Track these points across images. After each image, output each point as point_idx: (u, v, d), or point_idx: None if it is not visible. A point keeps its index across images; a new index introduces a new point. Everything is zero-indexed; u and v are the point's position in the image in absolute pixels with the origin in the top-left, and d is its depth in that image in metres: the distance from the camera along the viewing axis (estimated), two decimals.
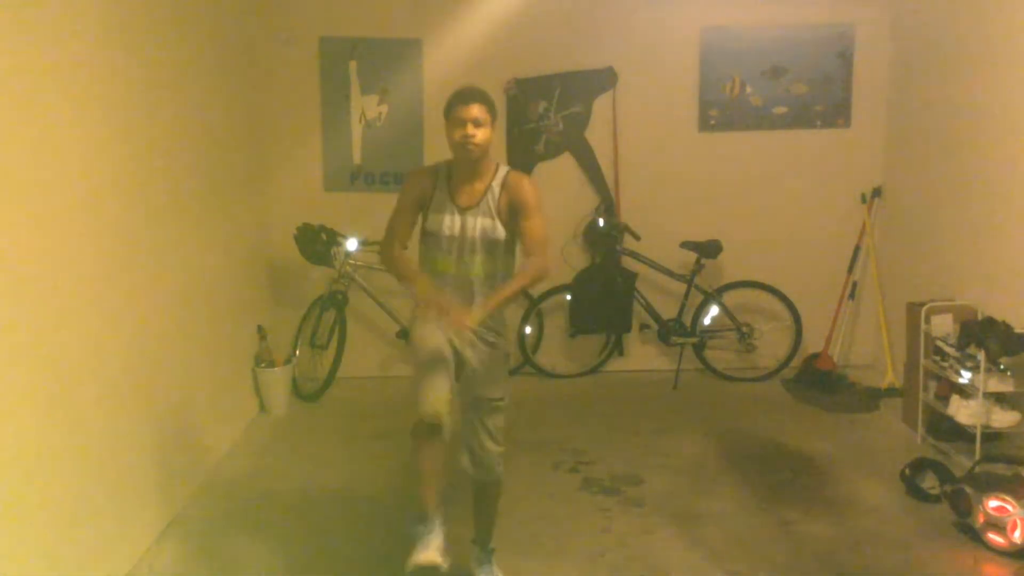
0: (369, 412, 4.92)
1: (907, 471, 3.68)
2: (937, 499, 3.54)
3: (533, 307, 5.48)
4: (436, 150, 5.47)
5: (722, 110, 5.52)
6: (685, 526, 3.42)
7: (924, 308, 4.19)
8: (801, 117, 5.52)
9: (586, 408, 4.99)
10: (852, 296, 5.58)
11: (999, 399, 3.81)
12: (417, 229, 2.89)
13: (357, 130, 5.46)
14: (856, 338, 5.68)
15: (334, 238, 5.05)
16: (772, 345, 5.53)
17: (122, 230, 3.17)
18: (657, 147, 5.56)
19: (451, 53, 5.38)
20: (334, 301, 5.15)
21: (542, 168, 5.56)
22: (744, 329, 5.44)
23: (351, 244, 5.11)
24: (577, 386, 5.45)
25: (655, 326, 5.51)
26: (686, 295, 5.43)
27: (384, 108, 5.45)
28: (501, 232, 2.78)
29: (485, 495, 3.04)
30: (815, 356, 5.37)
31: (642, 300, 5.48)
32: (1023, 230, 3.94)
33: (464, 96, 2.75)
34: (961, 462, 3.85)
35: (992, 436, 3.92)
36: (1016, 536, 3.09)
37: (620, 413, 4.85)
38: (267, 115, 5.27)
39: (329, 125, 5.44)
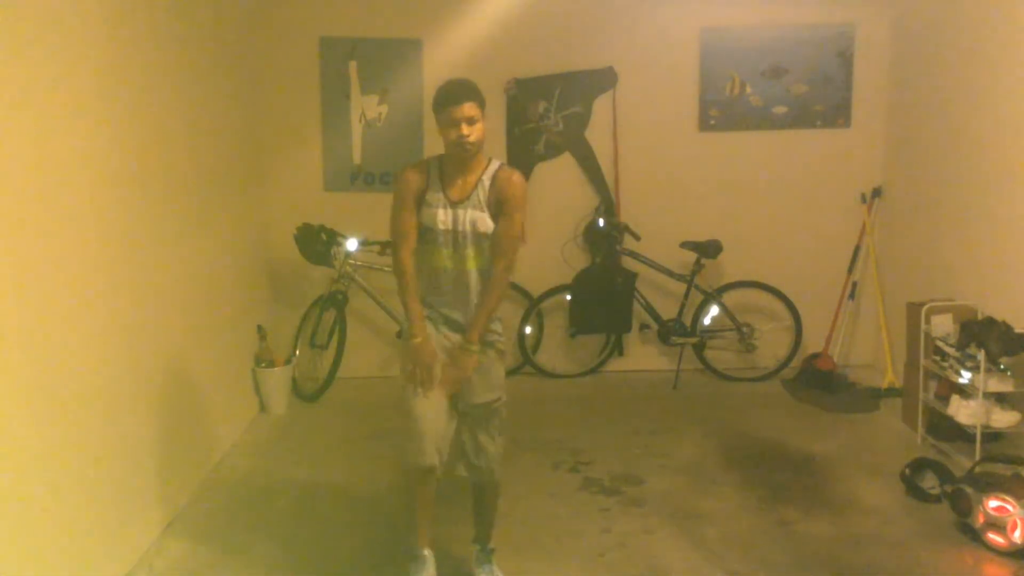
0: (369, 412, 4.92)
1: (907, 471, 3.68)
2: (937, 499, 3.54)
3: (533, 307, 5.48)
4: (436, 150, 5.44)
5: (722, 110, 5.52)
6: (685, 526, 3.42)
7: (924, 308, 4.19)
8: (801, 117, 5.52)
9: (586, 408, 4.99)
10: (852, 296, 5.58)
11: (999, 399, 3.81)
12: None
13: (357, 130, 5.46)
14: (856, 338, 5.68)
15: (334, 238, 5.05)
16: (772, 345, 5.53)
17: (122, 230, 3.17)
18: (657, 147, 5.56)
19: (451, 53, 5.39)
20: (334, 301, 5.15)
21: (542, 168, 5.56)
22: (744, 329, 5.44)
23: (351, 244, 5.11)
24: (577, 386, 5.45)
25: (655, 326, 5.51)
26: (686, 295, 5.43)
27: (384, 108, 5.45)
28: (490, 225, 2.78)
29: (483, 496, 3.05)
30: (815, 356, 5.37)
31: (642, 300, 5.48)
32: (1023, 230, 3.94)
33: (454, 95, 2.72)
34: (961, 462, 3.84)
35: (992, 436, 3.92)
36: (1016, 536, 3.08)
37: (620, 413, 4.85)
38: (267, 115, 5.27)
39: (329, 125, 5.44)
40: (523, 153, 5.53)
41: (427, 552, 2.87)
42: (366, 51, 5.39)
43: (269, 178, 5.32)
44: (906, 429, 4.47)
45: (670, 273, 5.44)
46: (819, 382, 5.18)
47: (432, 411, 2.74)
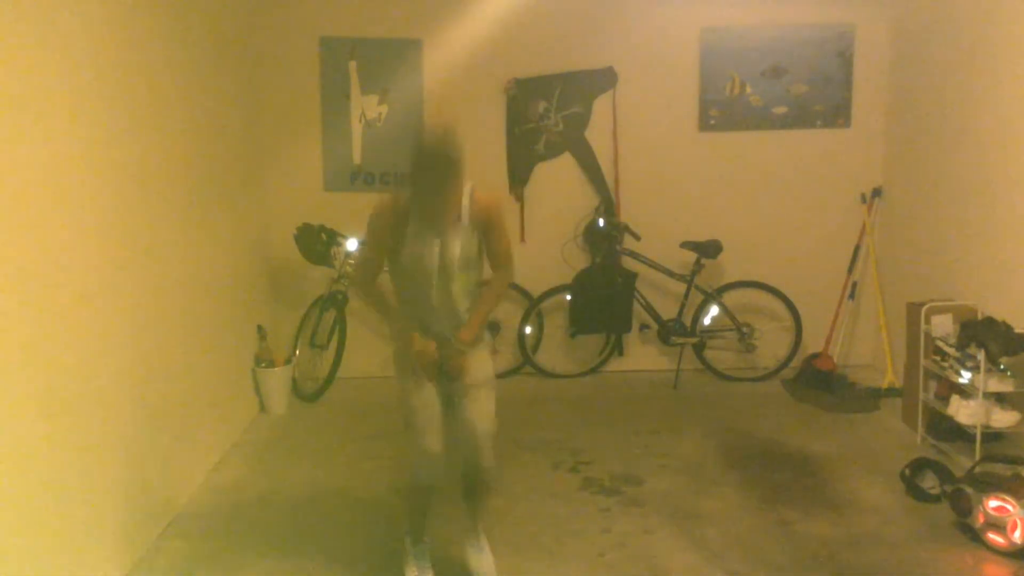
0: (369, 412, 4.92)
1: (907, 471, 3.68)
2: (937, 499, 3.54)
3: (533, 307, 5.48)
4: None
5: (722, 110, 5.52)
6: (685, 526, 3.42)
7: (924, 308, 4.19)
8: (801, 117, 5.52)
9: (586, 408, 4.99)
10: (852, 296, 5.58)
11: (999, 399, 3.81)
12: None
13: (357, 130, 5.46)
14: (856, 338, 5.68)
15: (334, 238, 5.05)
16: (772, 345, 5.53)
17: (122, 230, 3.17)
18: (657, 147, 5.56)
19: (451, 53, 5.39)
20: (334, 301, 5.15)
21: (542, 168, 5.56)
22: (744, 329, 5.44)
23: (351, 244, 5.11)
24: (577, 386, 5.45)
25: (655, 326, 5.51)
26: (686, 295, 5.43)
27: (384, 108, 5.45)
28: (478, 249, 2.85)
29: (476, 489, 3.08)
30: (815, 356, 5.37)
31: (642, 300, 5.48)
32: (1023, 230, 3.94)
33: (431, 163, 2.60)
34: (961, 462, 3.85)
35: (992, 436, 3.92)
36: (1016, 536, 3.09)
37: (620, 413, 4.85)
38: (267, 115, 5.28)
39: (329, 125, 5.45)
40: (523, 153, 5.53)
41: (427, 539, 3.03)
42: (366, 51, 5.39)
43: (269, 178, 5.32)
44: (906, 429, 4.47)
45: (670, 273, 5.44)
46: (819, 382, 5.18)
47: (435, 431, 2.85)
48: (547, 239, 5.54)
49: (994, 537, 3.16)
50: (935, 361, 4.11)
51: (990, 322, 3.78)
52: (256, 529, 3.46)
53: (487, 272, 2.96)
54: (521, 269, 5.46)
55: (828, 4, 5.43)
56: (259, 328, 4.93)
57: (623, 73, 5.50)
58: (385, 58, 5.39)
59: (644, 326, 5.62)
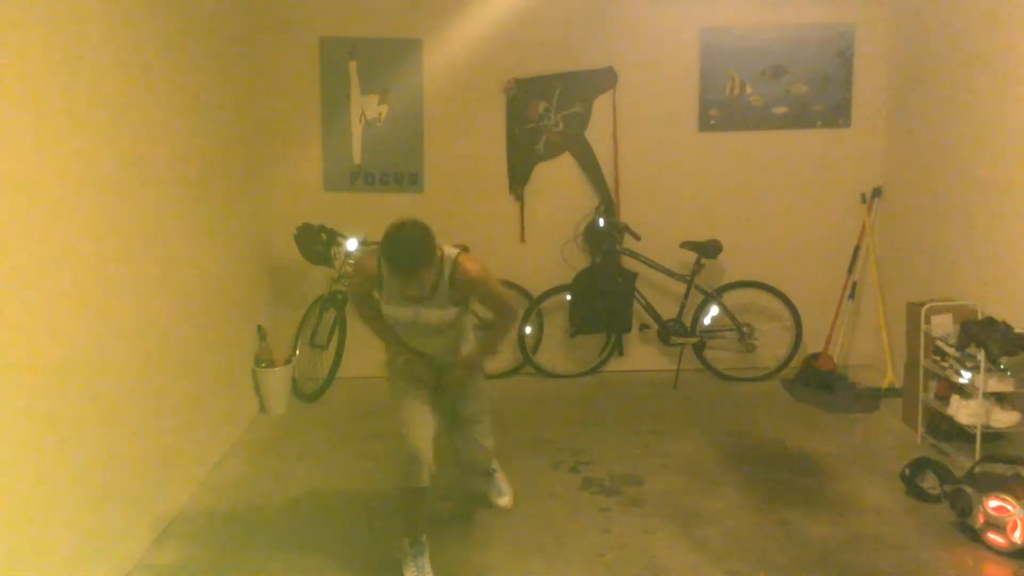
0: (369, 412, 4.92)
1: (907, 471, 3.68)
2: (937, 499, 3.54)
3: (533, 307, 5.48)
4: (436, 150, 5.49)
5: (722, 110, 5.52)
6: (685, 526, 3.42)
7: (924, 308, 4.19)
8: (801, 117, 5.52)
9: (586, 408, 4.99)
10: (852, 296, 5.58)
11: (999, 399, 3.81)
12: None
13: (357, 130, 5.46)
14: (856, 338, 5.68)
15: (334, 238, 5.05)
16: (772, 345, 5.53)
17: (122, 230, 3.17)
18: (657, 147, 5.56)
19: (451, 53, 5.39)
20: (334, 301, 5.15)
21: (542, 168, 5.56)
22: (744, 329, 5.44)
23: (351, 244, 5.11)
24: (577, 386, 5.45)
25: (655, 326, 5.51)
26: (686, 295, 5.43)
27: (384, 108, 5.45)
28: (457, 314, 2.95)
29: (480, 473, 3.51)
30: (815, 356, 5.37)
31: (642, 300, 5.48)
32: (1023, 230, 3.94)
33: (403, 267, 2.68)
34: (961, 462, 3.84)
35: (992, 436, 3.92)
36: (1016, 536, 3.09)
37: (620, 413, 4.85)
38: (267, 115, 5.27)
39: (329, 125, 5.45)
40: (523, 153, 5.53)
41: (423, 539, 3.05)
42: (366, 51, 5.39)
43: (269, 178, 5.32)
44: (906, 429, 4.47)
45: (670, 273, 5.44)
46: (819, 382, 5.18)
47: (425, 435, 2.97)
48: (547, 239, 5.54)
49: (994, 537, 3.16)
50: (935, 361, 4.11)
51: (990, 322, 3.78)
52: (256, 529, 3.46)
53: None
54: (521, 269, 5.52)
55: (828, 4, 5.43)
56: (259, 328, 4.93)
57: (623, 73, 5.50)
58: (385, 58, 5.39)
59: (644, 326, 5.62)
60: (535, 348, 5.58)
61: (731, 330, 5.47)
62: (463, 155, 5.51)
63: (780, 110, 5.52)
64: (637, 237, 5.37)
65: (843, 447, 4.26)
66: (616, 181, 5.56)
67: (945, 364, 4.02)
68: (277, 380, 4.91)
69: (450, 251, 2.88)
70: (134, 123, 3.30)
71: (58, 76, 2.73)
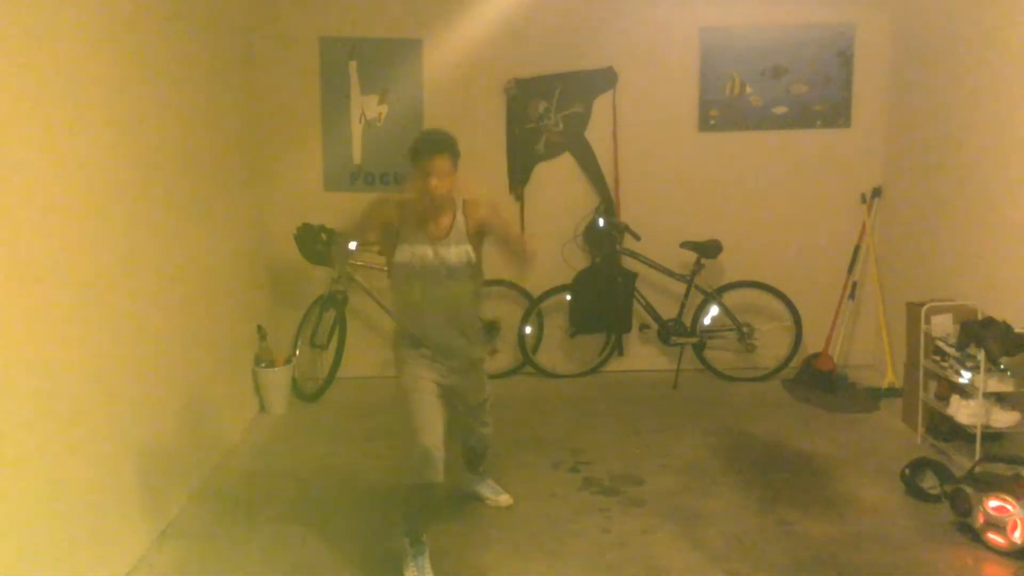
0: (369, 412, 4.92)
1: (907, 471, 3.68)
2: (937, 499, 3.54)
3: (533, 307, 5.48)
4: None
5: (722, 110, 5.52)
6: (685, 526, 3.42)
7: (924, 308, 4.19)
8: (801, 117, 5.52)
9: (586, 408, 4.98)
10: (852, 296, 5.58)
11: (999, 399, 3.81)
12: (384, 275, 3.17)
13: (357, 130, 5.46)
14: (856, 338, 5.68)
15: (334, 238, 5.04)
16: (772, 345, 5.53)
17: (122, 230, 3.17)
18: (657, 147, 5.56)
19: (451, 53, 5.39)
20: (334, 301, 5.15)
21: (542, 168, 5.56)
22: (744, 329, 5.44)
23: (351, 244, 5.09)
24: (577, 386, 5.45)
25: (655, 326, 5.51)
26: (686, 295, 5.43)
27: (384, 108, 5.45)
28: (473, 256, 3.02)
29: (479, 460, 3.63)
30: (815, 356, 5.37)
31: (642, 300, 5.48)
32: (1022, 230, 3.94)
33: (429, 147, 2.89)
34: (961, 462, 3.84)
35: (992, 436, 3.91)
36: (1016, 536, 3.09)
37: (620, 413, 4.85)
38: (267, 115, 5.28)
39: (329, 125, 5.45)
40: (523, 153, 5.53)
41: (425, 539, 3.06)
42: (366, 51, 5.39)
43: (269, 178, 5.32)
44: (906, 429, 4.47)
45: (670, 273, 5.44)
46: (819, 382, 5.18)
47: (437, 431, 2.96)
48: (547, 239, 5.54)
49: (994, 537, 3.16)
50: (935, 361, 4.11)
51: (990, 322, 3.77)
52: (256, 529, 3.46)
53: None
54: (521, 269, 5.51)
55: (828, 4, 5.43)
56: (259, 328, 4.93)
57: (623, 73, 5.50)
58: (385, 58, 5.39)
59: (644, 326, 5.62)
60: (535, 348, 5.58)
61: (731, 330, 5.47)
62: (463, 155, 5.48)
63: (780, 110, 5.52)
64: (637, 237, 5.37)
65: (843, 447, 4.26)
66: (616, 181, 5.56)
67: (945, 364, 4.02)
68: (277, 380, 4.91)
69: (460, 199, 3.07)
70: (134, 123, 3.30)
71: (58, 76, 2.72)
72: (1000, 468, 3.38)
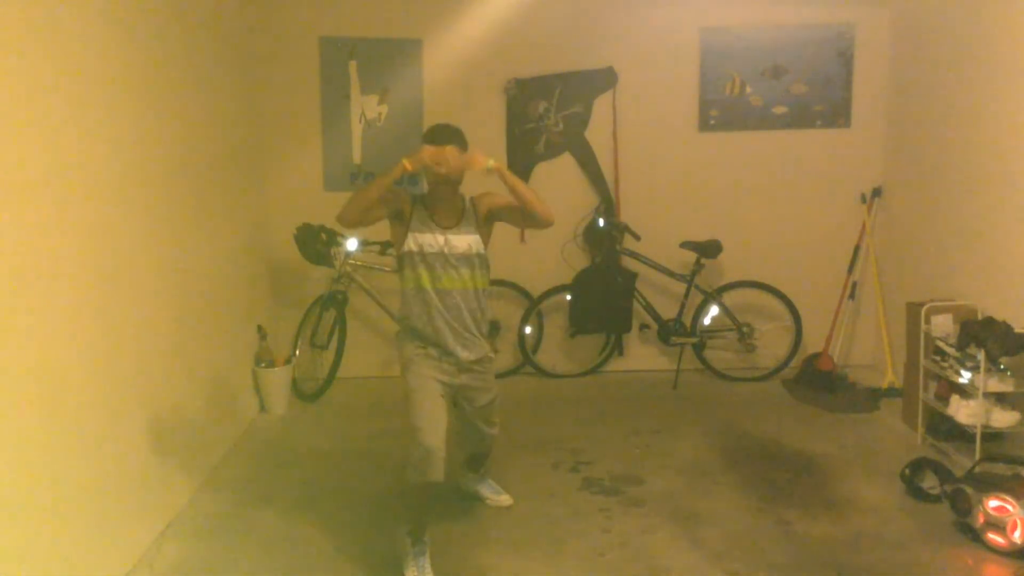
0: (369, 412, 4.92)
1: (907, 471, 3.68)
2: (937, 499, 3.54)
3: (533, 307, 5.48)
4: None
5: (722, 110, 5.52)
6: (685, 526, 3.42)
7: (924, 308, 4.19)
8: (801, 117, 5.53)
9: (586, 408, 4.98)
10: (852, 296, 5.58)
11: (999, 399, 3.81)
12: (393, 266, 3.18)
13: (357, 130, 5.46)
14: (856, 338, 5.68)
15: (334, 238, 5.05)
16: (772, 345, 5.53)
17: (122, 230, 3.17)
18: (657, 147, 5.56)
19: (451, 53, 5.39)
20: (334, 301, 5.15)
21: (542, 168, 5.56)
22: (744, 329, 5.44)
23: (351, 244, 5.11)
24: (577, 386, 5.45)
25: (655, 326, 5.51)
26: (686, 295, 5.43)
27: (384, 108, 5.45)
28: (482, 246, 3.11)
29: (481, 461, 3.61)
30: (815, 356, 5.37)
31: (642, 300, 5.48)
32: (1023, 230, 3.94)
33: (438, 137, 3.04)
34: (961, 462, 3.85)
35: (992, 436, 3.92)
36: (1016, 536, 3.09)
37: (620, 413, 4.85)
38: (267, 115, 5.28)
39: (329, 125, 5.45)
40: (523, 153, 5.53)
41: (427, 538, 3.06)
42: (366, 51, 5.39)
43: (269, 178, 5.32)
44: (906, 429, 4.47)
45: (670, 273, 5.44)
46: (819, 382, 5.19)
47: (439, 431, 2.97)
48: (547, 239, 5.54)
49: (994, 537, 3.16)
50: (935, 361, 4.11)
51: (990, 322, 3.77)
52: (256, 529, 3.46)
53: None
54: (521, 269, 5.52)
55: (828, 4, 5.44)
56: (259, 328, 4.94)
57: (623, 73, 5.50)
58: (385, 58, 5.39)
59: (644, 326, 5.62)
60: (535, 348, 5.58)
61: (731, 330, 5.47)
62: None
63: (780, 110, 5.52)
64: (637, 237, 5.37)
65: (843, 447, 4.26)
66: (616, 181, 5.56)
67: (945, 364, 4.02)
68: (277, 380, 4.91)
69: (469, 195, 3.19)
70: (134, 124, 3.30)
71: (58, 77, 2.72)
72: (1000, 468, 3.38)
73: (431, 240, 3.03)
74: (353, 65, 5.40)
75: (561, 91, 5.48)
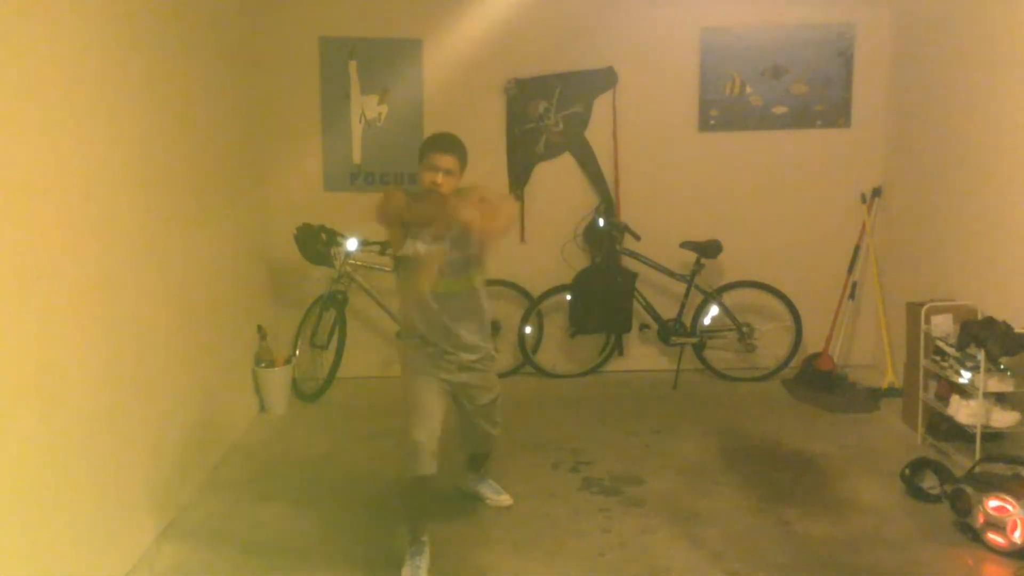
0: (369, 412, 4.92)
1: (907, 471, 3.68)
2: (937, 499, 3.54)
3: (533, 307, 5.48)
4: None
5: (722, 110, 5.52)
6: (685, 526, 3.42)
7: (924, 308, 4.19)
8: (801, 117, 5.52)
9: (586, 408, 4.98)
10: (852, 296, 5.58)
11: (999, 399, 3.81)
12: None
13: (357, 130, 5.46)
14: (856, 338, 5.68)
15: (334, 238, 5.05)
16: (772, 345, 5.53)
17: (122, 230, 3.17)
18: (657, 147, 5.56)
19: (451, 53, 5.39)
20: (334, 301, 5.15)
21: (542, 168, 5.56)
22: (744, 329, 5.44)
23: (351, 244, 5.11)
24: (577, 386, 5.45)
25: (655, 326, 5.51)
26: (686, 295, 5.43)
27: (384, 108, 5.45)
28: (470, 251, 3.04)
29: (482, 460, 3.60)
30: (815, 356, 5.37)
31: (642, 300, 5.48)
32: (1023, 230, 3.94)
33: (438, 144, 3.00)
34: (961, 462, 3.85)
35: (992, 436, 3.92)
36: (1016, 536, 3.09)
37: (620, 413, 4.85)
38: (267, 115, 5.27)
39: (329, 125, 5.45)
40: (523, 153, 5.53)
41: (425, 538, 3.08)
42: (366, 51, 5.39)
43: (269, 178, 5.32)
44: (906, 429, 4.47)
45: (670, 273, 5.44)
46: (819, 382, 5.18)
47: (431, 426, 2.99)
48: (547, 239, 5.54)
49: (994, 537, 3.16)
50: (935, 361, 4.11)
51: (990, 322, 3.77)
52: (256, 529, 3.46)
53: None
54: (521, 269, 5.52)
55: (828, 4, 5.43)
56: (259, 328, 4.93)
57: (623, 73, 5.50)
58: (385, 58, 5.39)
59: (644, 326, 5.62)
60: (535, 348, 5.58)
61: (731, 330, 5.47)
62: None
63: (780, 110, 5.52)
64: (637, 237, 5.37)
65: (843, 447, 4.26)
66: (616, 181, 5.56)
67: (945, 364, 4.02)
68: (277, 380, 4.91)
69: None
70: (134, 124, 3.30)
71: (59, 77, 2.72)
72: (1000, 468, 3.38)
73: (425, 248, 3.00)
74: (353, 65, 5.40)
75: (561, 91, 5.48)
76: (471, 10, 5.35)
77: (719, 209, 5.59)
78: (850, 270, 5.56)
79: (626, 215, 5.54)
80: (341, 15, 5.35)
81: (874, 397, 4.98)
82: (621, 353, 5.70)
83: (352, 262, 5.17)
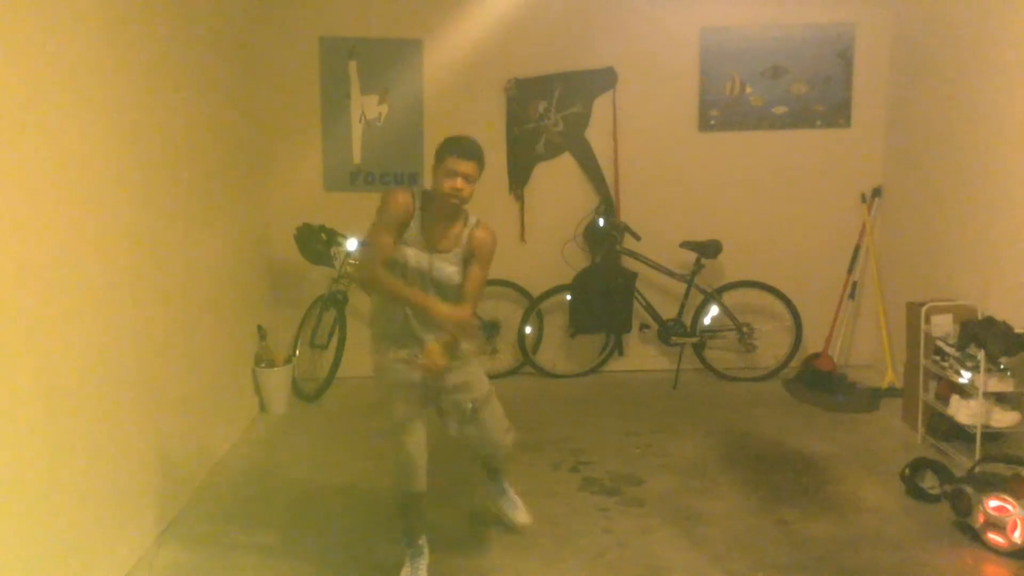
0: (369, 412, 4.90)
1: (907, 471, 3.67)
2: (937, 499, 3.54)
3: (533, 307, 5.48)
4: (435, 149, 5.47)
5: (722, 110, 5.52)
6: (685, 526, 3.42)
7: (924, 308, 4.19)
8: (801, 117, 5.53)
9: (586, 408, 4.98)
10: (852, 296, 5.58)
11: (999, 399, 3.81)
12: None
13: (357, 130, 5.46)
14: (856, 338, 5.68)
15: (334, 238, 5.05)
16: (772, 345, 5.53)
17: (122, 230, 3.16)
18: (657, 147, 5.56)
19: (451, 53, 5.39)
20: (334, 301, 5.15)
21: (542, 168, 5.56)
22: (744, 329, 5.44)
23: (351, 244, 5.11)
24: (577, 386, 5.45)
25: (655, 326, 5.51)
26: (686, 295, 5.43)
27: (384, 108, 5.45)
28: (459, 279, 2.91)
29: (499, 468, 3.38)
30: (815, 356, 5.37)
31: (642, 300, 5.48)
32: (1023, 230, 3.94)
33: (462, 150, 2.81)
34: (961, 462, 3.85)
35: (992, 436, 3.92)
36: (1016, 536, 3.09)
37: (620, 413, 4.85)
38: (267, 115, 5.27)
39: (329, 125, 5.45)
40: (523, 153, 5.53)
41: (422, 541, 3.05)
42: (366, 51, 5.39)
43: (269, 178, 5.32)
44: (906, 429, 4.47)
45: (670, 273, 5.44)
46: (819, 382, 5.18)
47: (418, 440, 2.95)
48: (547, 239, 5.55)
49: (994, 537, 3.16)
50: (935, 361, 4.11)
51: (990, 322, 3.78)
52: (256, 529, 3.46)
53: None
54: (521, 269, 5.52)
55: (828, 4, 5.44)
56: (259, 328, 4.93)
57: (623, 73, 5.50)
58: (385, 58, 5.39)
59: (644, 326, 5.62)
60: (535, 348, 5.58)
61: (731, 330, 5.47)
62: None
63: (780, 110, 5.52)
64: (637, 237, 5.37)
65: (843, 447, 4.26)
66: (616, 181, 5.56)
67: (945, 364, 4.02)
68: (277, 380, 4.91)
69: (475, 217, 2.96)
70: (134, 123, 3.30)
71: (58, 77, 2.72)
72: (1000, 468, 3.38)
73: (417, 258, 2.85)
74: (353, 65, 5.40)
75: (561, 91, 5.48)
76: (471, 10, 5.35)
77: (719, 209, 5.59)
78: (850, 270, 5.56)
79: (626, 215, 5.54)
80: (341, 15, 5.35)
81: (874, 397, 4.98)
82: (621, 353, 5.70)
83: (352, 262, 5.17)
